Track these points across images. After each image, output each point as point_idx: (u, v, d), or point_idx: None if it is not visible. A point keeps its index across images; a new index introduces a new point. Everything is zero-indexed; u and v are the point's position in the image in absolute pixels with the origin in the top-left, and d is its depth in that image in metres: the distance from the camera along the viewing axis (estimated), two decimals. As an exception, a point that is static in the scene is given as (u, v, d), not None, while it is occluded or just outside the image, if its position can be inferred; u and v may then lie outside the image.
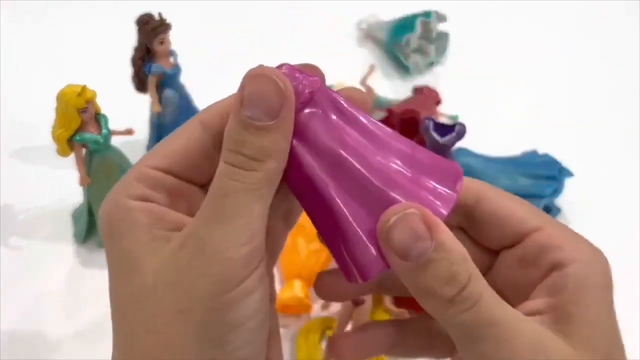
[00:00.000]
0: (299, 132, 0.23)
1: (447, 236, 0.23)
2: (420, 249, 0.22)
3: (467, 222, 0.29)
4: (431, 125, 0.52)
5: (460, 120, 0.62)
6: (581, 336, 0.25)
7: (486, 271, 0.29)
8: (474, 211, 0.28)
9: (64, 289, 0.54)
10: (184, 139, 0.25)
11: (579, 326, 0.25)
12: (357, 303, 0.47)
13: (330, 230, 0.24)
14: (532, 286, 0.27)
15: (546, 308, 0.26)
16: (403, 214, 0.23)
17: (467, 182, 0.27)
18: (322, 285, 0.30)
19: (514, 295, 0.27)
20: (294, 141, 0.23)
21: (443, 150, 0.53)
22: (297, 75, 0.23)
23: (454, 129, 0.52)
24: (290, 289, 0.48)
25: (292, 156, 0.23)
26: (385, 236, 0.23)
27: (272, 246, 0.31)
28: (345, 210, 0.23)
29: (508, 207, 0.28)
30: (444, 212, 0.24)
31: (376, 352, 0.31)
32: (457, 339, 0.24)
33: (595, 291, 0.26)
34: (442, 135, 0.52)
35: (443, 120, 0.61)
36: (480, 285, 0.24)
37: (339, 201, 0.23)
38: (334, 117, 0.23)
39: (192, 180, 0.26)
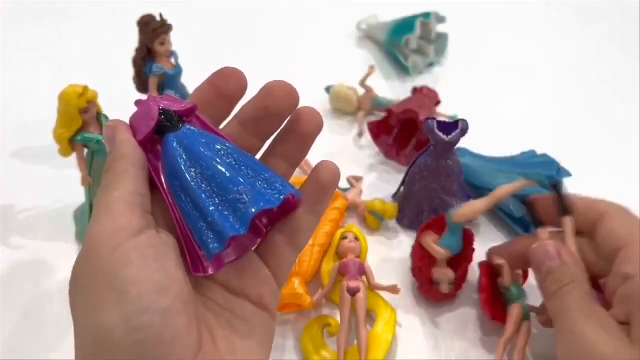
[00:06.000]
0: (156, 153, 0.30)
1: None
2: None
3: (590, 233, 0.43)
4: (435, 124, 0.52)
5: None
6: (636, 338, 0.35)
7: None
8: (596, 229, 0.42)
9: (64, 289, 0.53)
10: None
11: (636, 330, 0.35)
12: (354, 292, 0.48)
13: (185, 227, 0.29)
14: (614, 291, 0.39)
15: (621, 315, 0.37)
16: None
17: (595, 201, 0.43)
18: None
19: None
20: (152, 159, 0.30)
21: (449, 148, 0.53)
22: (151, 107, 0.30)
23: (457, 126, 0.52)
24: (289, 287, 0.49)
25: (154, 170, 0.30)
26: None
27: (275, 268, 0.32)
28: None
29: (609, 227, 0.42)
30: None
31: None
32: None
33: None
34: (447, 133, 0.52)
35: (442, 120, 0.61)
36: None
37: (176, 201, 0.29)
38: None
39: None
